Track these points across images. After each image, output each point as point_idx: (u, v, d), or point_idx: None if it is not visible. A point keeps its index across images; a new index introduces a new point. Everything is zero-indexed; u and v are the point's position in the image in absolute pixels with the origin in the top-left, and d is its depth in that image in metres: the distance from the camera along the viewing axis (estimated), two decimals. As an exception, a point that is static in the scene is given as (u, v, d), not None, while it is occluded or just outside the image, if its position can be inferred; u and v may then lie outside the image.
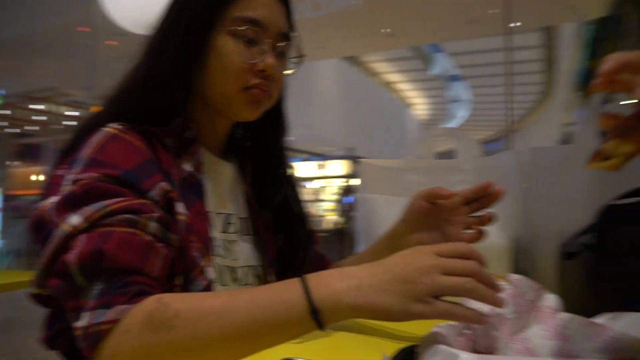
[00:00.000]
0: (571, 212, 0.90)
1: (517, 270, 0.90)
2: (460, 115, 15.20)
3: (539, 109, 11.69)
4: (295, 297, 0.55)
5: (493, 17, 5.27)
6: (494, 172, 1.02)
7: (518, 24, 5.51)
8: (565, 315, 0.53)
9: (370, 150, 9.70)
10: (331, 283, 0.57)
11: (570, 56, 7.39)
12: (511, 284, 0.59)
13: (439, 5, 5.20)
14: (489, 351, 0.54)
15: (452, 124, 16.19)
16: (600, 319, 0.53)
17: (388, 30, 5.71)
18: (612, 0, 5.10)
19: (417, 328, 0.62)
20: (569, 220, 0.87)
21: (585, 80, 7.43)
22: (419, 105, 15.40)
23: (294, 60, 0.75)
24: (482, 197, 0.70)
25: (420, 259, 0.56)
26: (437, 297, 0.53)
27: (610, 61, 0.52)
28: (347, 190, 7.31)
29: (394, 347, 0.58)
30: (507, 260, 0.94)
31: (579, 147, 0.95)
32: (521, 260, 0.95)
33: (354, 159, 8.20)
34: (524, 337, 0.54)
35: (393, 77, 12.44)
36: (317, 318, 0.54)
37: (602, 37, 6.01)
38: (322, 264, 0.87)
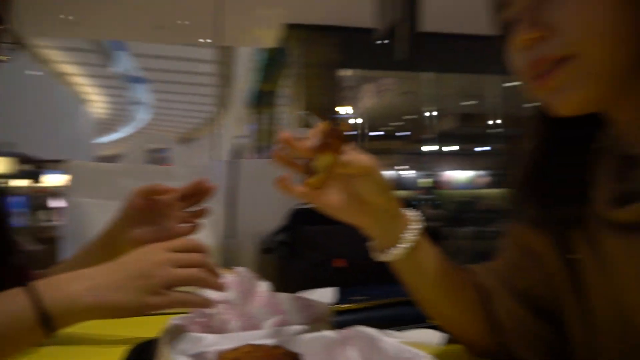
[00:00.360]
0: (268, 215, 1.09)
1: (224, 264, 1.04)
2: (141, 118, 14.97)
3: (215, 120, 12.54)
4: (21, 306, 0.53)
5: (182, 27, 5.46)
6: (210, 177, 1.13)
7: (208, 40, 5.86)
8: (280, 295, 0.68)
9: (35, 147, 8.53)
10: (64, 286, 0.57)
11: (245, 76, 8.24)
12: (236, 275, 0.71)
13: (128, 4, 5.07)
14: (223, 332, 0.64)
15: (131, 126, 15.79)
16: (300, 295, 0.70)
17: (70, 17, 5.24)
18: (282, 35, 5.97)
19: (130, 330, 0.66)
20: (266, 222, 1.06)
21: (257, 100, 8.45)
22: (97, 102, 14.43)
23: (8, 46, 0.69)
24: (197, 193, 0.77)
25: (153, 255, 0.62)
26: (170, 289, 0.60)
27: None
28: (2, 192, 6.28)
29: (104, 353, 0.61)
30: (216, 256, 1.07)
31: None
32: (227, 256, 1.09)
33: (12, 155, 7.15)
34: (250, 316, 0.66)
35: (68, 69, 11.33)
36: (48, 325, 0.54)
37: (272, 64, 6.97)
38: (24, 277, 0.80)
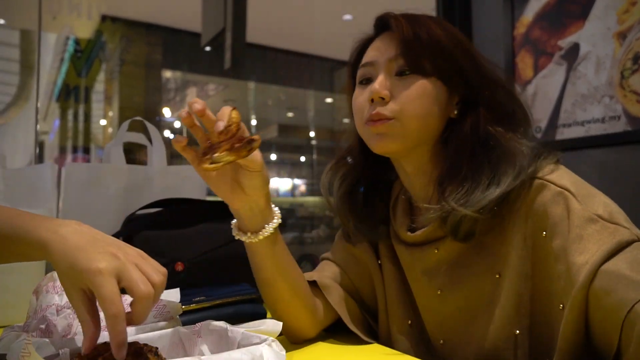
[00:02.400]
0: (104, 220, 1.08)
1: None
2: None
3: (12, 111, 10.99)
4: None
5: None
6: (31, 182, 1.06)
7: (1, 21, 5.17)
8: (128, 297, 0.71)
9: None
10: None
11: (53, 67, 7.43)
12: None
13: None
14: (67, 337, 0.64)
15: None
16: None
17: None
18: (99, 27, 5.56)
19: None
20: (103, 227, 1.04)
21: (66, 94, 7.66)
22: None
23: None
24: None
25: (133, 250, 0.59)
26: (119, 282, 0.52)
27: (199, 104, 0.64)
28: None
29: None
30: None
31: (109, 167, 1.13)
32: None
33: None
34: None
35: None
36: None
37: (86, 57, 6.42)
38: None
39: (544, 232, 0.67)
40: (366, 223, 0.85)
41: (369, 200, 0.86)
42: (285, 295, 0.77)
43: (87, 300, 0.50)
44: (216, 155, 0.62)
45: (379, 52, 0.77)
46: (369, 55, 0.79)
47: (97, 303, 0.50)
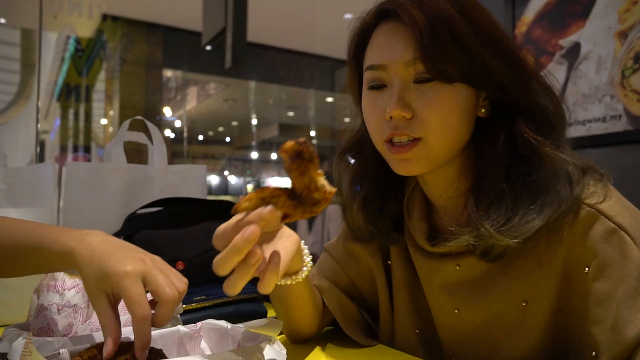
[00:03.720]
0: (104, 220, 1.08)
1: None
2: None
3: (13, 110, 11.01)
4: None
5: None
6: (32, 181, 1.06)
7: (2, 20, 5.17)
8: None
9: None
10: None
11: (54, 66, 7.44)
12: (80, 280, 0.71)
13: None
14: (67, 336, 0.64)
15: None
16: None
17: None
18: (100, 27, 5.57)
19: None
20: (103, 226, 1.04)
21: (67, 93, 7.67)
22: None
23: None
24: None
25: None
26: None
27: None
28: None
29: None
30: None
31: (110, 166, 1.13)
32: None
33: None
34: (96, 319, 0.68)
35: None
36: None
37: (87, 57, 6.43)
38: None
39: (587, 268, 0.60)
40: (378, 227, 0.77)
41: (382, 202, 0.77)
42: (311, 318, 0.77)
43: (111, 304, 0.52)
44: (319, 186, 0.52)
45: (391, 51, 0.65)
46: (378, 55, 0.66)
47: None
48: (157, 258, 0.55)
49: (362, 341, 0.77)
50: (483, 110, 0.67)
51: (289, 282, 0.68)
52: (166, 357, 0.54)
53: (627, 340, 0.54)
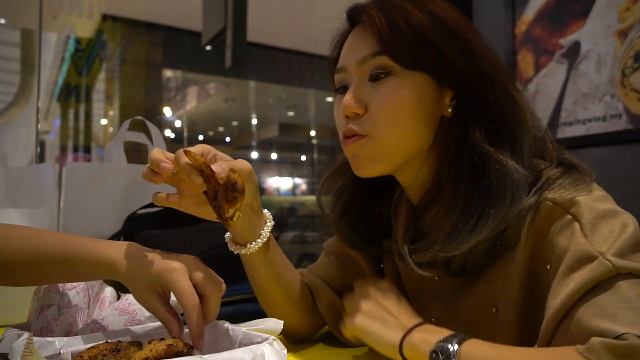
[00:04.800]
0: (105, 220, 1.08)
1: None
2: None
3: (13, 110, 11.00)
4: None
5: (-24, 4, 4.75)
6: (32, 181, 1.06)
7: (2, 20, 5.18)
8: (130, 296, 0.71)
9: None
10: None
11: (54, 66, 7.44)
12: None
13: None
14: (68, 335, 0.65)
15: None
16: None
17: None
18: (100, 27, 5.57)
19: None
20: (104, 226, 1.05)
21: (67, 93, 7.67)
22: None
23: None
24: None
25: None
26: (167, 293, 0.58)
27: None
28: None
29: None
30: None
31: (110, 166, 1.13)
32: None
33: None
34: (99, 319, 0.68)
35: None
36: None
37: (87, 57, 6.43)
38: None
39: (549, 266, 0.57)
40: (366, 239, 0.76)
41: (368, 215, 0.77)
42: (279, 300, 0.74)
43: (164, 302, 0.56)
44: (229, 217, 0.57)
45: (349, 53, 0.67)
46: (341, 59, 0.69)
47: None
48: (195, 258, 0.59)
49: (350, 343, 0.75)
50: (450, 110, 0.65)
51: (243, 251, 0.68)
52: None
53: (550, 311, 0.52)
